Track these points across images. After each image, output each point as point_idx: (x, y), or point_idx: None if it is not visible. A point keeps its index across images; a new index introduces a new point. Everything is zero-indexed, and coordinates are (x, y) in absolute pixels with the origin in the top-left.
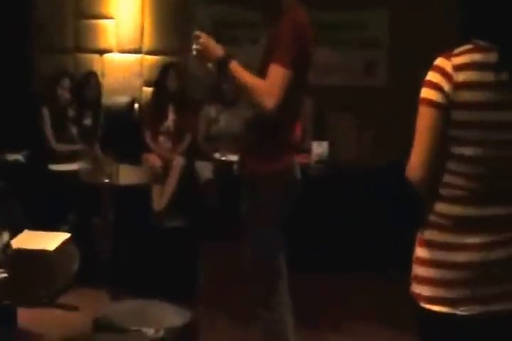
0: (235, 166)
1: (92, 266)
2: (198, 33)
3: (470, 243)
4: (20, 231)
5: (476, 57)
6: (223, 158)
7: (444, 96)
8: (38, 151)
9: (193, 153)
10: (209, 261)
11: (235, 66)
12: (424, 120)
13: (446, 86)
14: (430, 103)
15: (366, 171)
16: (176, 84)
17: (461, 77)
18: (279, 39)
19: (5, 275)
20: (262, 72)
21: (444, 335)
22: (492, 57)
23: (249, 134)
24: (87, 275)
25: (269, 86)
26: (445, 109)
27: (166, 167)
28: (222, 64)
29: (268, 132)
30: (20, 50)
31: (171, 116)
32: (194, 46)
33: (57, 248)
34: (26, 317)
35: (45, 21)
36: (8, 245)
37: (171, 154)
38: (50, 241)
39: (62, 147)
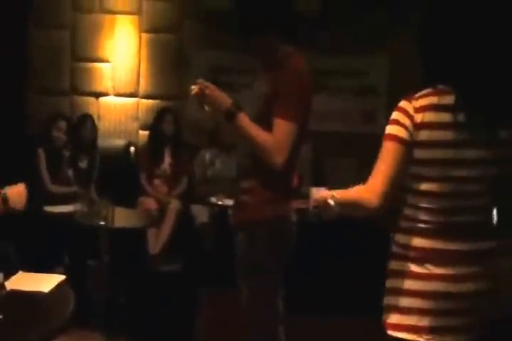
0: (230, 211)
1: (87, 308)
2: (200, 80)
3: (436, 273)
4: (15, 272)
5: (435, 99)
6: (219, 203)
7: (408, 133)
8: (33, 192)
9: (189, 197)
10: (205, 306)
11: (243, 118)
12: (390, 154)
13: (409, 125)
14: (396, 138)
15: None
16: (172, 128)
17: (420, 117)
18: (282, 90)
19: None
20: (260, 120)
21: None
22: (449, 99)
23: (246, 180)
24: (81, 317)
25: (277, 143)
26: (409, 145)
27: (162, 210)
28: (230, 115)
29: (267, 179)
30: (16, 92)
31: (167, 160)
32: (194, 92)
33: (51, 290)
34: None
35: (41, 63)
36: (1, 286)
37: (166, 197)
38: (45, 282)
39: (57, 189)
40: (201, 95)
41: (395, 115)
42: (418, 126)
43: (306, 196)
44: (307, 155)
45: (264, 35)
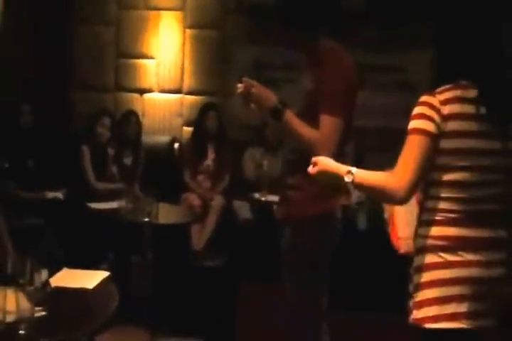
0: (275, 207)
1: (132, 304)
2: (246, 78)
3: (469, 260)
4: (59, 269)
5: (458, 92)
6: (263, 199)
7: (435, 126)
8: (78, 189)
9: (232, 193)
10: (248, 301)
11: (289, 115)
12: (417, 147)
13: (436, 117)
14: (423, 132)
15: None
16: (215, 124)
17: (447, 109)
18: (327, 86)
19: (43, 313)
20: (304, 116)
21: None
22: (471, 93)
23: (293, 176)
24: (126, 314)
25: (323, 138)
26: (435, 138)
27: (205, 206)
28: (277, 113)
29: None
30: (61, 89)
31: (211, 156)
32: (240, 90)
33: (96, 286)
34: None
35: (86, 60)
36: (46, 283)
37: (210, 193)
38: (89, 279)
39: (102, 185)
40: (247, 94)
41: (420, 109)
42: (446, 117)
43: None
44: (348, 151)
45: (309, 29)
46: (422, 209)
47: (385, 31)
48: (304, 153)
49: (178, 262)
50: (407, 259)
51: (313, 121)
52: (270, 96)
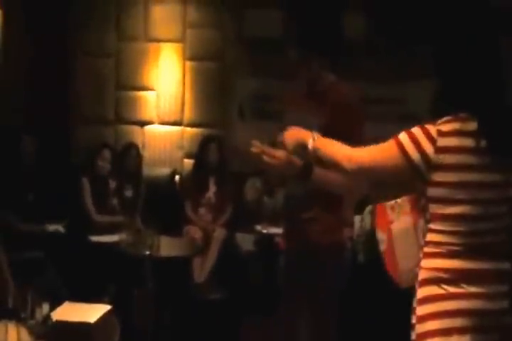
0: (280, 239)
1: (134, 337)
2: (258, 144)
3: (472, 292)
4: (60, 302)
5: (457, 125)
6: (264, 231)
7: (420, 155)
8: (78, 222)
9: (234, 225)
10: (252, 334)
11: (318, 173)
12: (388, 155)
13: (429, 150)
14: (402, 150)
15: None
16: (216, 156)
17: (444, 142)
18: (341, 123)
19: None
20: None
21: None
22: (471, 125)
23: (307, 210)
24: None
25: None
26: (412, 165)
27: (207, 239)
28: (305, 175)
29: (330, 206)
30: (61, 121)
31: (212, 188)
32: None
33: (97, 320)
34: None
35: (86, 92)
36: (48, 317)
37: (211, 226)
38: (91, 313)
39: (102, 218)
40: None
41: (417, 133)
42: (442, 150)
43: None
44: None
45: (314, 62)
46: (425, 241)
47: (384, 63)
48: (318, 188)
49: (179, 295)
50: (406, 292)
51: None
52: (291, 164)
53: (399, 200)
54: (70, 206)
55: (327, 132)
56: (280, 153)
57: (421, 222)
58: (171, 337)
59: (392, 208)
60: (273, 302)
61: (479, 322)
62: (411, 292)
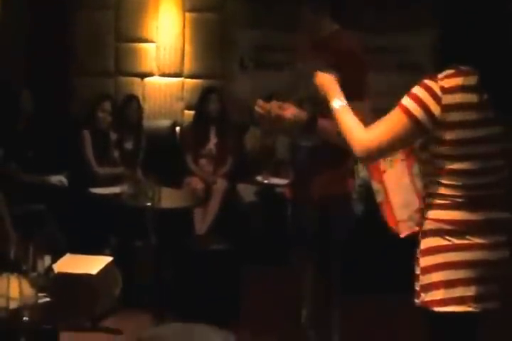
0: (285, 189)
1: (135, 289)
2: (261, 102)
3: (477, 243)
4: (62, 254)
5: (461, 80)
6: (265, 181)
7: (427, 116)
8: (79, 174)
9: (235, 176)
10: (253, 285)
11: (322, 123)
12: (400, 127)
13: (434, 108)
14: (413, 118)
15: None
16: (217, 107)
17: (448, 99)
18: (347, 72)
19: (47, 299)
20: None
21: (457, 336)
22: (473, 79)
23: (315, 162)
24: (130, 298)
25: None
26: (423, 127)
27: (208, 190)
28: (310, 126)
29: (336, 159)
30: (61, 74)
31: (213, 140)
32: (258, 114)
33: (99, 272)
34: None
35: (86, 45)
36: (50, 269)
37: (212, 177)
38: (92, 264)
39: (103, 170)
40: (267, 119)
41: (420, 93)
42: (447, 108)
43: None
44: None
45: (315, 9)
46: (429, 193)
47: (384, 13)
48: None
49: (180, 246)
50: (405, 242)
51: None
52: (299, 114)
53: None
54: (71, 158)
55: (350, 84)
56: (287, 106)
57: (416, 167)
58: (172, 288)
59: (384, 158)
60: (275, 252)
61: (483, 272)
62: (412, 241)
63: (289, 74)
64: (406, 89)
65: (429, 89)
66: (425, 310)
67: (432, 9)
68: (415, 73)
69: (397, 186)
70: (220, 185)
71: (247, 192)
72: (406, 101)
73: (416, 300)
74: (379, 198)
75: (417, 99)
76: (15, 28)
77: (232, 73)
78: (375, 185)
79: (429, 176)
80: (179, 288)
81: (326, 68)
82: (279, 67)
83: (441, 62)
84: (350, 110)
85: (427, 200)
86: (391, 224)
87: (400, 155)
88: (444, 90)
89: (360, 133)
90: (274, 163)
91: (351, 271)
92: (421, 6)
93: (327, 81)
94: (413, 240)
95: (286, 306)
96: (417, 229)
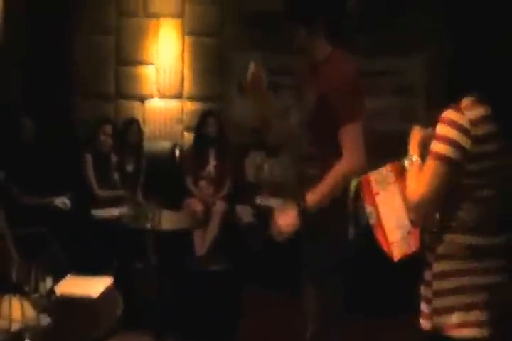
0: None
1: (136, 310)
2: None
3: (491, 267)
4: (63, 276)
5: (484, 110)
6: (265, 203)
7: (461, 153)
8: (81, 197)
9: (234, 198)
10: (253, 306)
11: (311, 198)
12: (437, 174)
13: (464, 141)
14: (446, 159)
15: None
16: (215, 130)
17: (477, 130)
18: (341, 94)
19: (49, 321)
20: (313, 125)
21: None
22: (490, 109)
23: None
24: (131, 319)
25: (354, 150)
26: (459, 164)
27: (208, 211)
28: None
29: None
30: (63, 97)
31: (212, 162)
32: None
33: (100, 294)
34: None
35: (87, 68)
36: (51, 291)
37: (212, 199)
38: (94, 286)
39: (105, 193)
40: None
41: (446, 131)
42: (478, 139)
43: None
44: None
45: (310, 31)
46: (443, 217)
47: (379, 36)
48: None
49: (181, 267)
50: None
51: (324, 128)
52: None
53: (383, 170)
54: (72, 181)
55: (326, 102)
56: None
57: None
58: (173, 308)
59: (377, 180)
60: (274, 274)
61: (499, 296)
62: (408, 264)
63: (286, 96)
64: (399, 113)
65: (454, 124)
66: (435, 333)
67: (445, 36)
68: (409, 96)
69: (389, 208)
70: (219, 206)
71: (245, 213)
72: (436, 146)
73: (425, 324)
74: (372, 221)
75: (445, 139)
76: (15, 51)
77: (231, 96)
78: (368, 208)
79: (445, 200)
80: (180, 309)
81: (320, 90)
82: (277, 90)
83: (454, 90)
84: (420, 166)
85: (442, 224)
86: (384, 247)
87: (392, 178)
88: (472, 122)
89: (412, 190)
90: (272, 185)
91: (353, 292)
92: (413, 29)
93: (415, 136)
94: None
95: (286, 327)
96: (410, 252)
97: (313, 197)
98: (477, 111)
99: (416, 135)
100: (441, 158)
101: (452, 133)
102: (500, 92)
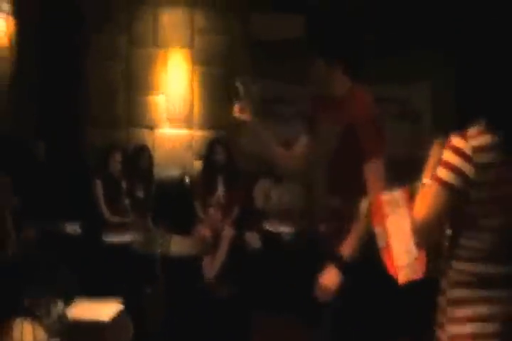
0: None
1: (146, 334)
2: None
3: (505, 296)
4: (74, 300)
5: (489, 138)
6: (272, 229)
7: (462, 179)
8: (92, 223)
9: (243, 224)
10: (258, 330)
11: (348, 255)
12: (439, 199)
13: (466, 168)
14: (447, 185)
15: None
16: (223, 157)
17: (480, 158)
18: (366, 129)
19: None
20: (337, 159)
21: None
22: (495, 137)
23: (341, 221)
24: None
25: (378, 188)
26: (461, 191)
27: (216, 237)
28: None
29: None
30: (75, 126)
31: (221, 189)
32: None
33: (111, 318)
34: None
35: (98, 97)
36: (63, 315)
37: (220, 225)
38: (105, 311)
39: (115, 219)
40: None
41: (449, 157)
42: (478, 167)
43: None
44: None
45: (334, 65)
46: (454, 244)
47: (383, 64)
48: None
49: (190, 292)
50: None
51: (347, 162)
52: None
53: (395, 193)
54: (84, 207)
55: (352, 136)
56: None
57: None
58: (181, 333)
59: (388, 202)
60: (281, 299)
61: (508, 326)
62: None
63: (294, 125)
64: (404, 140)
65: (457, 151)
66: None
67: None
68: (414, 123)
69: (398, 232)
70: (228, 232)
71: (253, 239)
72: (439, 171)
73: None
74: (380, 243)
75: (448, 166)
76: (28, 79)
77: (240, 124)
78: (378, 229)
79: (455, 228)
80: (189, 334)
81: (339, 124)
82: (284, 118)
83: (463, 118)
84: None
85: (452, 251)
86: (390, 269)
87: (403, 201)
88: (475, 149)
89: (416, 211)
90: (280, 212)
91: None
92: (419, 57)
93: (434, 155)
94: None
95: None
96: (415, 278)
97: (348, 250)
98: (482, 139)
99: (435, 153)
100: (444, 184)
101: (455, 160)
102: (506, 121)
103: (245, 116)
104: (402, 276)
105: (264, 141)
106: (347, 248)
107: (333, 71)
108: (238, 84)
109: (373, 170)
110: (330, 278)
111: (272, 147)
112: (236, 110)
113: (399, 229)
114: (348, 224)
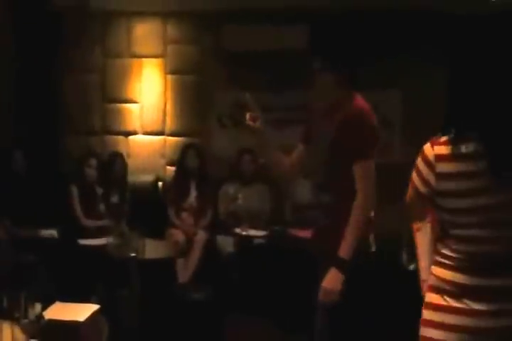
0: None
1: (120, 336)
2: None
3: (474, 309)
4: (52, 302)
5: (454, 148)
6: (244, 233)
7: (427, 186)
8: (68, 227)
9: (214, 228)
10: (231, 334)
11: (346, 254)
12: (413, 197)
13: (431, 178)
14: (414, 187)
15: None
16: (196, 163)
17: (440, 167)
18: (353, 132)
19: None
20: (328, 163)
21: None
22: (471, 146)
23: (330, 218)
24: None
25: (367, 189)
26: (427, 197)
27: (189, 241)
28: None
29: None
30: (51, 133)
31: (193, 193)
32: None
33: (86, 319)
34: None
35: (74, 106)
36: (40, 316)
37: (193, 229)
38: (81, 312)
39: (90, 223)
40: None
41: (420, 163)
42: (439, 176)
43: None
44: None
45: (343, 79)
46: (436, 250)
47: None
48: (346, 199)
49: (164, 295)
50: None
51: (338, 166)
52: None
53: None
54: (60, 212)
55: (339, 142)
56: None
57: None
58: (156, 335)
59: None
60: (254, 302)
61: (477, 339)
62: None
63: (267, 133)
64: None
65: (425, 158)
66: None
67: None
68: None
69: (423, 246)
70: (201, 236)
71: (226, 243)
72: (413, 172)
73: None
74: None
75: (417, 170)
76: (4, 89)
77: (211, 131)
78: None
79: (438, 234)
80: (163, 335)
81: (334, 131)
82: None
83: (445, 126)
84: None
85: (434, 257)
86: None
87: (428, 218)
88: (436, 157)
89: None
90: (251, 216)
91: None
92: (390, 65)
93: None
94: None
95: None
96: None
97: (345, 250)
98: (447, 148)
99: None
100: (412, 185)
101: (422, 165)
102: (491, 131)
103: (257, 125)
104: (425, 289)
105: (270, 149)
106: (344, 249)
107: (339, 84)
108: (248, 96)
109: (363, 170)
110: (333, 281)
111: (276, 154)
112: (249, 119)
113: (424, 242)
114: (340, 223)
